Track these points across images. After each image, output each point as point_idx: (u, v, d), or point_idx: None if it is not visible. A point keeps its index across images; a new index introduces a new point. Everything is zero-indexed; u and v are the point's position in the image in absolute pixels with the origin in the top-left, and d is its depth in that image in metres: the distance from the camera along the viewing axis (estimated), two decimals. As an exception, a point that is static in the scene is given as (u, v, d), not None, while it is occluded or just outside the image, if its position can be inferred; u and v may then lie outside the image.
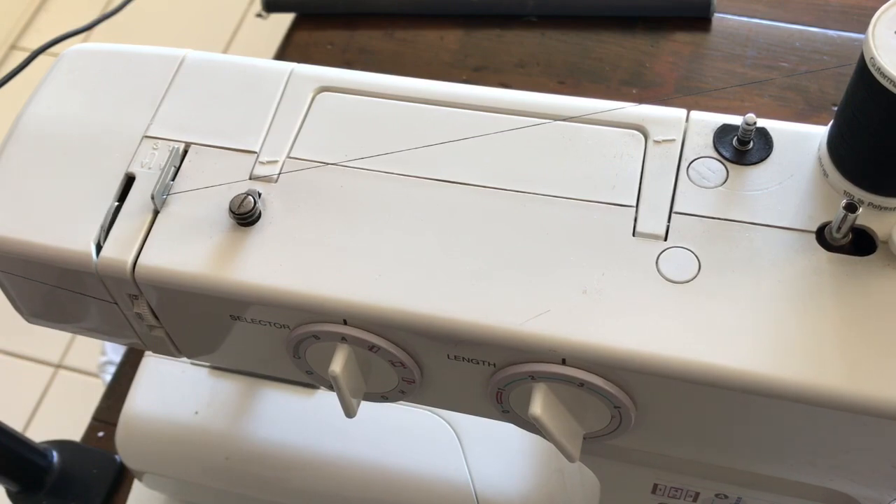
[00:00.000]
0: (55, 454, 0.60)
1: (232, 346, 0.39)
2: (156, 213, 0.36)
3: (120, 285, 0.36)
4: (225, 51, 1.61)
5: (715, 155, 0.35)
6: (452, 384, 0.36)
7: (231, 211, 0.35)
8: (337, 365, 0.35)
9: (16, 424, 0.57)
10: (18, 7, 1.75)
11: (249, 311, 0.36)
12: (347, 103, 0.39)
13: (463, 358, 0.34)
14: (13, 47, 1.73)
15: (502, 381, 0.34)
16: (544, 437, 0.35)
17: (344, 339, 0.35)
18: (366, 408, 0.39)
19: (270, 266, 0.35)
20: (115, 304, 0.38)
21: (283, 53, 0.75)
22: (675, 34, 0.71)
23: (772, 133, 0.36)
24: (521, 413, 0.35)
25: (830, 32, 0.69)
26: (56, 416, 1.27)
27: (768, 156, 0.35)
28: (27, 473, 0.58)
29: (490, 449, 0.53)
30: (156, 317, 0.38)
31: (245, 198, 0.35)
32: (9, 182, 0.38)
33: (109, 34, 1.63)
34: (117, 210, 0.37)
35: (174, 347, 0.40)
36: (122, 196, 0.37)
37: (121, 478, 0.61)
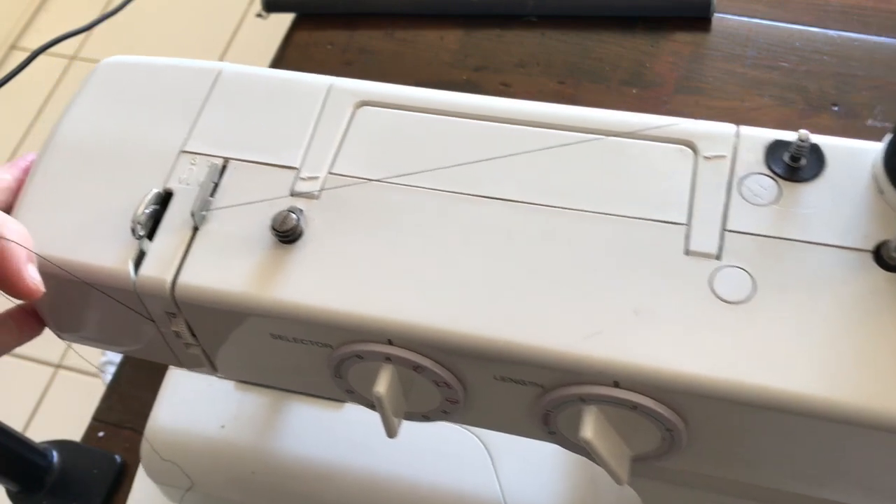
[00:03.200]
0: (55, 454, 0.60)
1: (270, 365, 0.38)
2: (195, 229, 0.36)
3: (158, 303, 0.36)
4: (225, 50, 1.61)
5: (767, 171, 0.35)
6: (497, 405, 0.36)
7: (273, 228, 0.35)
8: (382, 386, 0.34)
9: (16, 424, 0.56)
10: (18, 7, 1.76)
11: (291, 330, 0.35)
12: (388, 118, 0.38)
13: (510, 379, 0.33)
14: (13, 47, 1.73)
15: (551, 403, 0.33)
16: (592, 459, 0.34)
17: (388, 358, 0.34)
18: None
19: (314, 284, 0.34)
20: (152, 321, 0.37)
21: (283, 53, 0.75)
22: (675, 34, 0.71)
23: (824, 149, 0.35)
24: (570, 435, 0.34)
25: (830, 32, 0.69)
26: (56, 416, 1.27)
27: (821, 172, 0.34)
28: (27, 473, 0.58)
29: (521, 464, 0.53)
30: (193, 335, 0.37)
31: (287, 215, 0.35)
32: (44, 197, 0.38)
33: (109, 34, 1.63)
34: (155, 226, 0.36)
35: (210, 365, 0.40)
36: (160, 212, 0.36)
37: (121, 478, 0.60)
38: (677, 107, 0.67)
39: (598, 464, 0.34)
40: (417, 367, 0.34)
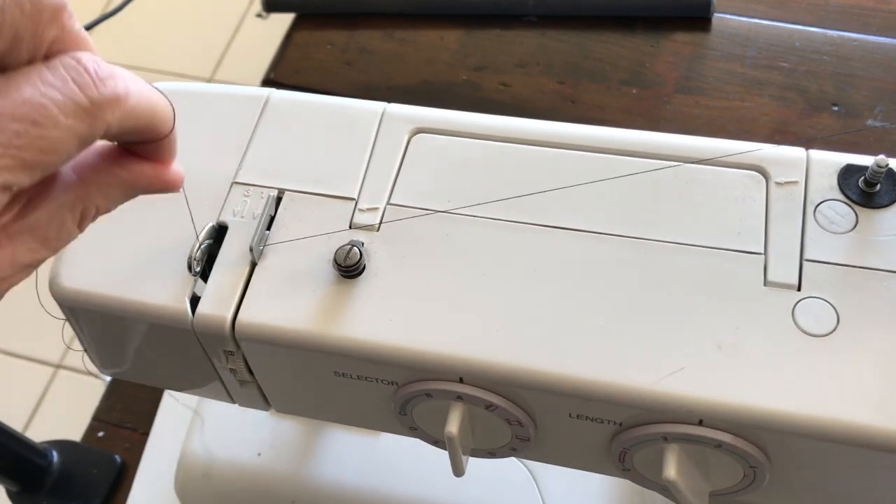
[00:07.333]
0: (55, 454, 0.59)
1: (330, 402, 0.37)
2: (253, 265, 0.35)
3: (216, 342, 0.35)
4: (225, 51, 1.59)
5: (841, 197, 0.34)
6: (570, 442, 0.35)
7: (336, 263, 0.34)
8: (453, 426, 0.33)
9: (16, 424, 0.55)
10: (18, 7, 1.74)
11: (356, 368, 0.34)
12: (445, 145, 0.37)
13: (586, 417, 0.32)
14: (13, 47, 1.71)
15: (629, 441, 0.32)
16: (669, 497, 0.33)
17: (459, 397, 0.33)
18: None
19: (380, 321, 0.33)
20: (208, 359, 0.36)
21: (283, 53, 0.74)
22: (675, 34, 0.71)
23: (899, 173, 0.34)
24: (648, 474, 0.33)
25: (830, 32, 0.69)
26: (56, 416, 1.26)
27: (897, 197, 0.34)
28: (27, 473, 0.57)
29: (567, 490, 0.52)
30: (250, 372, 0.36)
31: (350, 249, 0.34)
32: (92, 234, 0.37)
33: (109, 34, 1.62)
34: (211, 262, 0.35)
35: (264, 402, 0.38)
36: (216, 247, 0.35)
37: (121, 478, 0.60)
38: (677, 107, 0.66)
39: (675, 501, 0.33)
40: (490, 406, 0.33)
